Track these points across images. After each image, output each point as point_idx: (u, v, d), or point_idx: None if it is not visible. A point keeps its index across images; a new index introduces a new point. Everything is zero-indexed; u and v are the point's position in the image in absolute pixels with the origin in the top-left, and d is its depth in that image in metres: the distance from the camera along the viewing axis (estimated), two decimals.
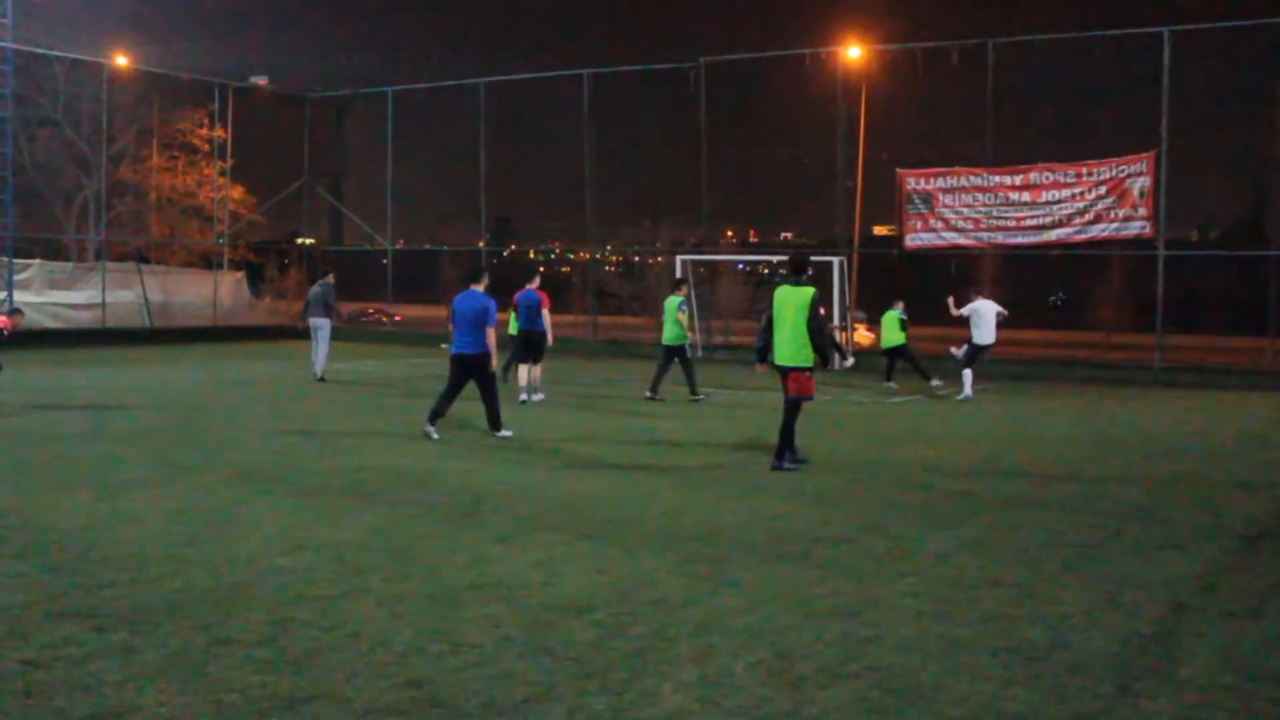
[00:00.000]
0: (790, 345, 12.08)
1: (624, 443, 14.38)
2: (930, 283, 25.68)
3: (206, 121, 38.03)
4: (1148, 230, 26.74)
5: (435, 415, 14.34)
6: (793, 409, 12.29)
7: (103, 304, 33.92)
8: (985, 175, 28.41)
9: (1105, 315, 35.16)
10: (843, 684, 5.65)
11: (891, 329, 23.11)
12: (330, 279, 23.40)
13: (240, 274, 40.03)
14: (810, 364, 12.16)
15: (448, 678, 5.63)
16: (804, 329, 11.96)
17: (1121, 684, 5.74)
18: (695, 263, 32.54)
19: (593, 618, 6.65)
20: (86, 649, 5.92)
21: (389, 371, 25.46)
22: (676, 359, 19.45)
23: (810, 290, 12.10)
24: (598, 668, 5.82)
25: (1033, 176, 27.90)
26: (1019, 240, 28.37)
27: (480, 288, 14.46)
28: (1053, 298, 62.24)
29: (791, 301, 12.08)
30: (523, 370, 19.00)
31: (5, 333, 16.65)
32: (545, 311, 18.90)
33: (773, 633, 6.44)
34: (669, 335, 19.46)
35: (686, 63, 32.64)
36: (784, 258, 39.16)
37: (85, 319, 33.62)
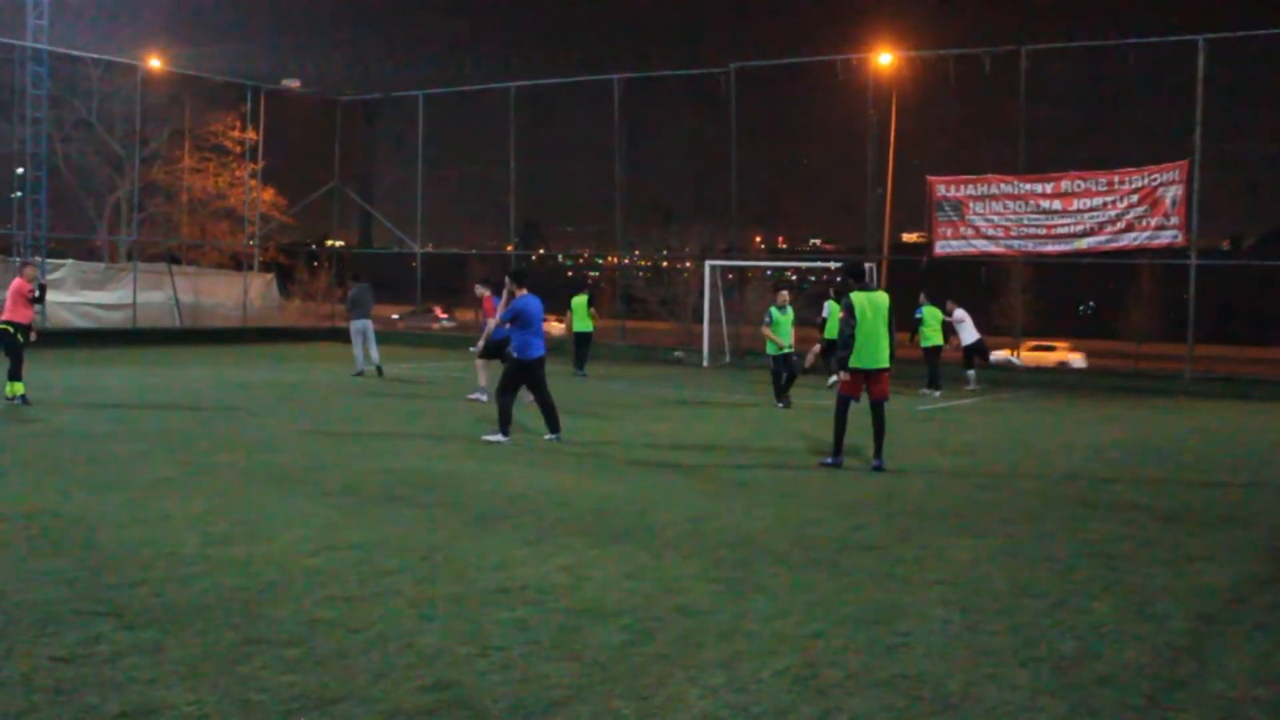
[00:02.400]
0: (884, 348, 12.99)
1: (652, 447, 14.38)
2: (958, 290, 25.53)
3: (238, 124, 38.27)
4: (1180, 239, 26.58)
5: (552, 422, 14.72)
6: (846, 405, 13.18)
7: (134, 304, 34.13)
8: (1016, 183, 28.29)
9: (1136, 325, 34.99)
10: (870, 692, 5.63)
11: (935, 328, 23.31)
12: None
13: (270, 276, 40.23)
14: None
15: (475, 680, 5.63)
16: (888, 332, 13.00)
17: (1152, 696, 5.70)
18: (724, 268, 32.53)
19: (620, 622, 6.65)
20: (117, 647, 5.95)
21: (423, 374, 25.51)
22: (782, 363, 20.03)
23: (886, 295, 13.22)
24: (625, 672, 5.82)
25: (1064, 184, 27.77)
26: (1049, 249, 28.25)
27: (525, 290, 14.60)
28: (1082, 307, 61.99)
29: (876, 305, 12.92)
30: (482, 366, 19.05)
31: (37, 291, 16.84)
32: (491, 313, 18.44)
33: (800, 639, 6.42)
34: (771, 345, 20.06)
35: (717, 68, 32.66)
36: (814, 265, 39.25)
37: (116, 319, 33.84)
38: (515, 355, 14.47)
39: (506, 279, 14.91)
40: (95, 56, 34.73)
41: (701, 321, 31.21)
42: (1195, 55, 26.04)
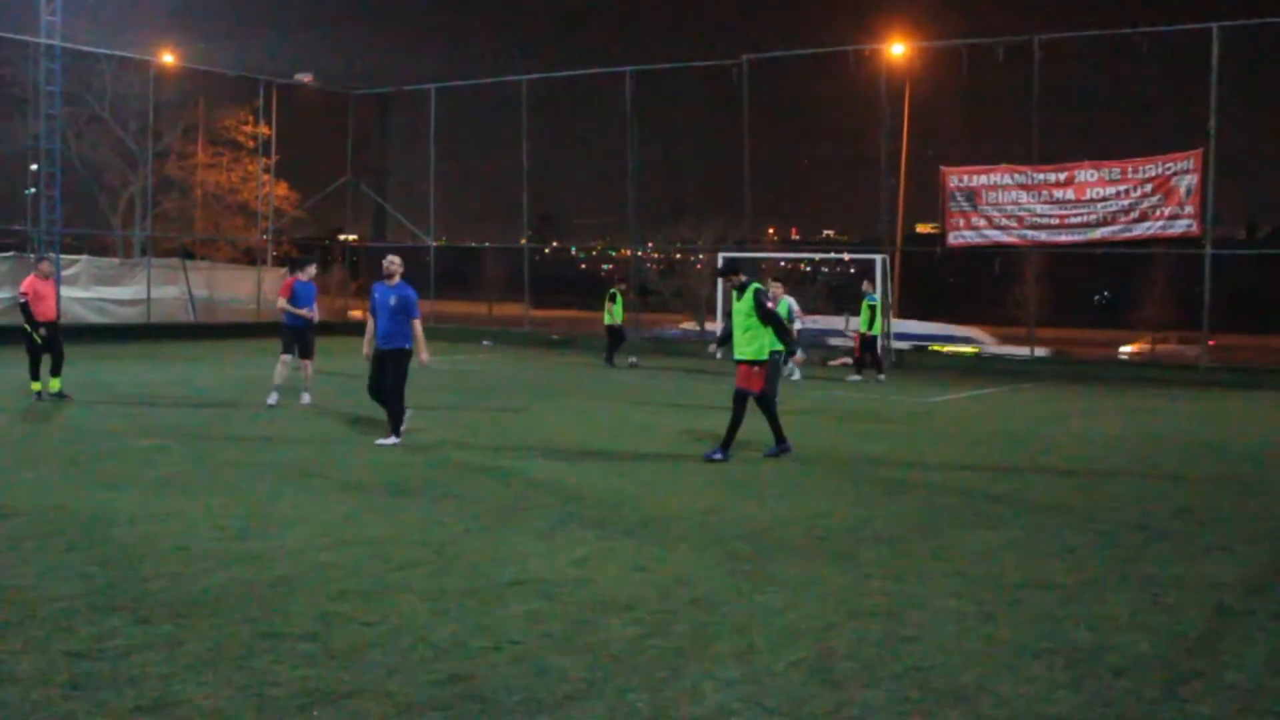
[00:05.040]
0: (743, 340, 12.91)
1: (665, 439, 14.38)
2: (971, 281, 25.55)
3: (251, 118, 38.32)
4: (1194, 228, 26.47)
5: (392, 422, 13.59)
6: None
7: (148, 300, 34.22)
8: (1029, 173, 28.21)
9: (1151, 314, 34.86)
10: (884, 684, 5.63)
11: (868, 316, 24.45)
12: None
13: (284, 270, 40.24)
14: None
15: (489, 673, 5.64)
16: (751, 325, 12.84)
17: (1167, 687, 5.68)
18: (738, 261, 32.50)
19: (634, 615, 6.65)
20: (132, 642, 5.98)
21: (433, 368, 25.46)
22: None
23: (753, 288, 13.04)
24: (639, 665, 5.82)
25: (1078, 174, 27.68)
26: (1063, 238, 28.15)
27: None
28: (1097, 297, 61.80)
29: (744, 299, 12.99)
30: (284, 365, 17.18)
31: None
32: (282, 299, 17.44)
33: (814, 632, 6.42)
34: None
35: (729, 60, 32.60)
36: (827, 256, 39.22)
37: (131, 314, 33.91)
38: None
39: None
40: (108, 52, 34.78)
41: (715, 313, 31.18)
42: (1209, 43, 25.91)
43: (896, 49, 31.08)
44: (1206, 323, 27.07)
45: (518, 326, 36.78)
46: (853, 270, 37.99)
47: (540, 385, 21.61)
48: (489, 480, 11.14)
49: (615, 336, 27.50)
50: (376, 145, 42.89)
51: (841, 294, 32.05)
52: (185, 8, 41.89)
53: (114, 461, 11.79)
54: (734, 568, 7.82)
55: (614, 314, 27.47)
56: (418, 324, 13.60)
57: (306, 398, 17.21)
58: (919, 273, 35.91)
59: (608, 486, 10.95)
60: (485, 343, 34.53)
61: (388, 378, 13.51)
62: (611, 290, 28.11)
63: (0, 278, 31.02)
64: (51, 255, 17.81)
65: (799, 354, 13.02)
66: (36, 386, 16.74)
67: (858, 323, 24.90)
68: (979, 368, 28.59)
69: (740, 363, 12.89)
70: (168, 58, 36.81)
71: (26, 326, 16.77)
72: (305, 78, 39.83)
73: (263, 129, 38.20)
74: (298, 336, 17.31)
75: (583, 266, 69.51)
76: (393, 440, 13.35)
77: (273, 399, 16.79)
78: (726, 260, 14.03)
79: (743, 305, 12.85)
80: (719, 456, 12.64)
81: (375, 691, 5.36)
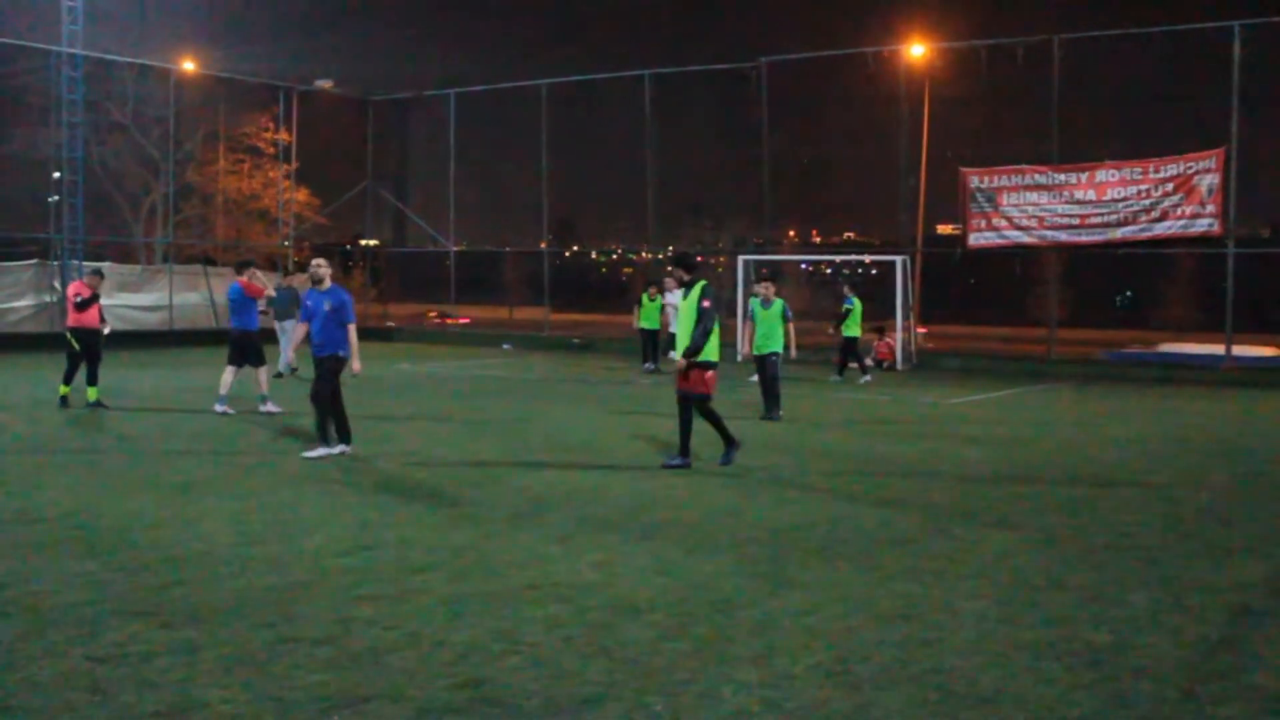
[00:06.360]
0: (684, 342, 12.30)
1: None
2: (992, 282, 25.46)
3: (271, 125, 38.44)
4: (1216, 228, 26.30)
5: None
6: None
7: (170, 306, 34.38)
8: (1050, 173, 28.10)
9: (1173, 315, 34.67)
10: (903, 687, 5.61)
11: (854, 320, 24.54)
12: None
13: (305, 276, 40.32)
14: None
15: (507, 677, 5.65)
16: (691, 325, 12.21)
17: (1188, 689, 5.65)
18: (758, 263, 32.46)
19: (652, 618, 6.64)
20: (152, 647, 6.00)
21: (453, 372, 25.58)
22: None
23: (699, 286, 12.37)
24: (657, 668, 5.81)
25: (1098, 174, 27.55)
26: (1084, 239, 28.02)
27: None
28: (1119, 297, 61.52)
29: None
30: (229, 374, 16.92)
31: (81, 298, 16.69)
32: (259, 303, 17.38)
33: (833, 634, 6.40)
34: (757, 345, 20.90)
35: (748, 63, 32.57)
36: (847, 257, 39.16)
37: (153, 321, 34.06)
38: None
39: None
40: (129, 60, 34.95)
41: (736, 317, 31.14)
42: (1231, 41, 25.77)
43: (916, 50, 31.00)
44: (1230, 323, 26.90)
45: (538, 330, 36.80)
46: (874, 272, 37.91)
47: (559, 389, 21.61)
48: (507, 484, 11.15)
49: (649, 339, 26.95)
50: (396, 150, 42.98)
51: (863, 297, 31.92)
52: (205, 16, 42.09)
53: (135, 467, 11.85)
54: (752, 571, 7.81)
55: (644, 317, 26.91)
56: (353, 330, 12.93)
57: (268, 406, 16.71)
58: (940, 274, 35.82)
59: (625, 490, 10.95)
60: (506, 346, 34.56)
61: (323, 385, 12.85)
62: (644, 293, 27.74)
63: (24, 285, 31.20)
64: (97, 266, 17.48)
65: (675, 357, 12.31)
66: (64, 390, 16.71)
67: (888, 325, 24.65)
68: (997, 369, 28.47)
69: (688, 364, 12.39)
70: (188, 65, 36.97)
71: (68, 333, 16.71)
72: (325, 84, 39.95)
73: (283, 135, 38.31)
74: (233, 345, 17.05)
75: (603, 270, 69.53)
76: (321, 451, 12.69)
77: (219, 407, 16.44)
78: (676, 254, 13.37)
79: (689, 303, 12.31)
80: (678, 463, 12.31)
81: (393, 695, 5.37)
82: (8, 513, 9.36)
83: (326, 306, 12.85)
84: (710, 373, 12.39)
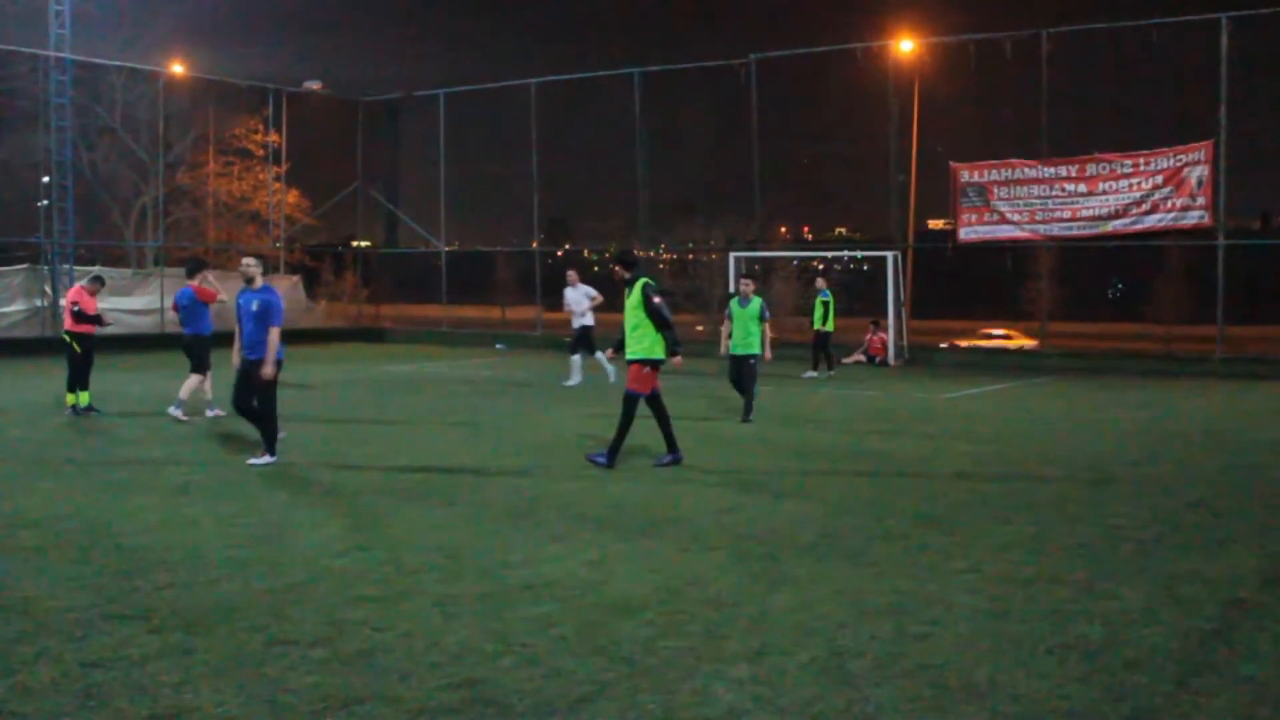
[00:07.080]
0: (633, 338, 12.24)
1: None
2: (983, 277, 25.48)
3: (261, 127, 38.40)
4: (1206, 219, 26.36)
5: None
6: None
7: (161, 309, 34.31)
8: (1040, 167, 28.14)
9: (1165, 307, 34.68)
10: (897, 681, 5.61)
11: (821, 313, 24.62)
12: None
13: (296, 278, 40.27)
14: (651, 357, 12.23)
15: (500, 677, 5.64)
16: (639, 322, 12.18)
17: (1181, 680, 5.66)
18: (749, 260, 32.47)
19: (645, 617, 6.65)
20: (145, 650, 5.99)
21: (447, 372, 25.56)
22: None
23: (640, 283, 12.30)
24: (650, 666, 5.82)
25: (1089, 168, 27.61)
26: (1075, 232, 28.07)
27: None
28: (1111, 290, 61.55)
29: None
30: (191, 381, 16.39)
31: (77, 308, 16.53)
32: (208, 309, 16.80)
33: (826, 630, 6.41)
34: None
35: (737, 59, 32.58)
36: (838, 254, 39.16)
37: (144, 324, 34.01)
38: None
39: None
40: (118, 64, 34.89)
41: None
42: (1219, 33, 25.82)
43: (905, 46, 31.04)
44: (1221, 315, 26.94)
45: (531, 330, 36.78)
46: (865, 268, 37.91)
47: (552, 388, 21.60)
48: (499, 483, 11.15)
49: None
50: (386, 151, 42.97)
51: (854, 293, 31.91)
52: (193, 18, 42.06)
53: (127, 470, 11.83)
54: (745, 568, 7.81)
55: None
56: (274, 333, 12.19)
57: (211, 410, 16.32)
58: (931, 269, 35.80)
59: (618, 488, 10.95)
60: (498, 346, 34.54)
61: (256, 390, 12.33)
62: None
63: (15, 290, 31.14)
64: (100, 274, 17.21)
65: (678, 358, 12.11)
66: (72, 400, 16.60)
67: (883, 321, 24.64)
68: (991, 363, 28.51)
69: (631, 362, 12.27)
70: (177, 68, 36.93)
71: (67, 337, 16.61)
72: (314, 85, 39.94)
73: (273, 137, 38.28)
74: (185, 350, 16.72)
75: (595, 269, 69.47)
76: (267, 459, 12.27)
77: (212, 411, 16.29)
78: (619, 251, 13.08)
79: (631, 300, 12.20)
80: (602, 460, 12.11)
81: (387, 697, 5.37)
82: (0, 517, 9.34)
83: (255, 306, 12.37)
84: (648, 370, 12.21)
